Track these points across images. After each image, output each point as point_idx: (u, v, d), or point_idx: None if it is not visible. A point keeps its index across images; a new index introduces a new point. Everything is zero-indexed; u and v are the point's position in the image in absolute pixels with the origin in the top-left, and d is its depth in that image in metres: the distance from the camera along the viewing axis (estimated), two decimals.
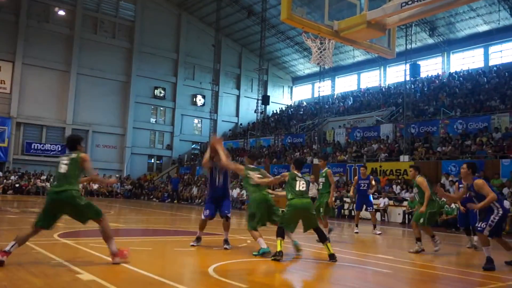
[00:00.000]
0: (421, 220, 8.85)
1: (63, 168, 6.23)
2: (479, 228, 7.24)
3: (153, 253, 7.68)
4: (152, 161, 41.59)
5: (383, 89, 36.91)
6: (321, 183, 10.55)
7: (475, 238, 9.70)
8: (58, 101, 36.24)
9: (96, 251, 7.16)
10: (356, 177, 13.52)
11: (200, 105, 42.89)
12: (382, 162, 23.98)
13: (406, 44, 26.36)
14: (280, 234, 7.12)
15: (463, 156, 21.39)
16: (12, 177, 31.75)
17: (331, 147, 29.02)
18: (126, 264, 6.09)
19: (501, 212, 7.19)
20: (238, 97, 45.40)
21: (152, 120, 41.20)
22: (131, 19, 39.65)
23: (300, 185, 7.25)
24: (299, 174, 7.45)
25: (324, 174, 10.41)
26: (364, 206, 12.97)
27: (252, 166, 8.19)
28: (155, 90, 40.54)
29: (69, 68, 36.33)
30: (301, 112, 41.05)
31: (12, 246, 5.76)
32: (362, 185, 12.82)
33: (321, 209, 10.13)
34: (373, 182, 13.17)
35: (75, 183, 6.27)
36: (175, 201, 30.68)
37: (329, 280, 6.27)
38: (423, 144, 24.01)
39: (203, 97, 42.79)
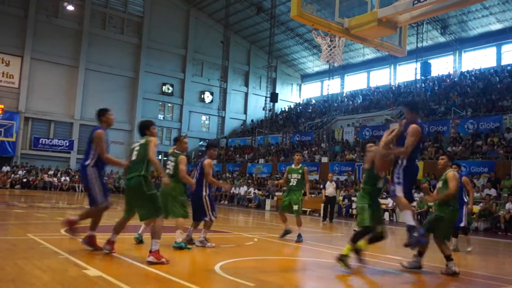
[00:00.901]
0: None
1: (134, 155, 6.37)
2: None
3: (160, 250, 7.54)
4: (160, 157, 41.49)
5: (393, 88, 36.49)
6: (296, 180, 9.92)
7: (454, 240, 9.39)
8: (66, 96, 36.27)
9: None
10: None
11: (208, 102, 42.73)
12: None
13: (417, 42, 26.05)
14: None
15: (473, 156, 21.06)
16: (20, 172, 31.82)
17: (340, 145, 28.72)
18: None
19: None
20: (246, 94, 45.19)
21: (160, 116, 41.11)
22: (140, 15, 39.56)
23: None
24: None
25: (300, 171, 9.94)
26: None
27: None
28: (163, 87, 40.45)
29: (77, 64, 36.33)
30: (310, 110, 40.75)
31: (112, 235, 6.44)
32: None
33: (295, 206, 9.69)
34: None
35: (144, 169, 6.28)
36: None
37: (336, 280, 6.12)
38: (433, 144, 23.66)
39: (211, 94, 42.64)
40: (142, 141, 6.42)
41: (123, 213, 6.51)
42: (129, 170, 6.36)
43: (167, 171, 7.68)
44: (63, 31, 36.04)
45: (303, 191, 9.99)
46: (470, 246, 9.61)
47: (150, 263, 5.80)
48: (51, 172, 32.91)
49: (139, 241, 7.95)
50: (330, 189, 16.34)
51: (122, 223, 6.59)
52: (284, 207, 9.84)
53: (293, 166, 10.15)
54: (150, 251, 5.97)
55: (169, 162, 7.89)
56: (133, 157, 6.35)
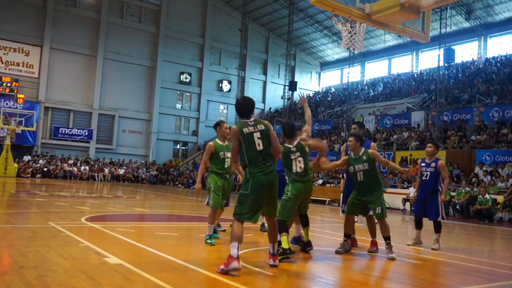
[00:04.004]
0: None
1: (259, 144, 5.34)
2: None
3: (178, 238, 7.70)
4: (178, 147, 41.57)
5: (415, 75, 35.72)
6: None
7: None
8: (85, 86, 36.43)
9: (123, 235, 7.22)
10: None
11: (226, 91, 42.52)
12: (412, 151, 23.15)
13: (440, 28, 25.32)
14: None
15: (498, 145, 20.48)
16: (41, 161, 32.17)
17: None
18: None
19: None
20: (264, 82, 44.81)
21: (178, 105, 41.08)
22: (157, 3, 39.36)
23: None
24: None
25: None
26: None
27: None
28: (181, 76, 40.33)
29: (95, 53, 36.41)
30: (329, 99, 40.24)
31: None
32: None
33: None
34: None
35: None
36: None
37: (354, 269, 6.11)
38: (456, 133, 23.12)
39: (229, 82, 42.40)
40: (262, 127, 5.32)
41: (244, 218, 5.23)
42: (263, 161, 5.25)
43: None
44: (82, 20, 36.10)
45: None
46: (437, 245, 7.87)
47: (274, 266, 5.37)
48: (71, 162, 33.22)
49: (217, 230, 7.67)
50: None
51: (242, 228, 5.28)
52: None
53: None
54: (274, 255, 5.42)
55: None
56: (259, 147, 5.26)
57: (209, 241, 6.99)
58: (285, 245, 5.90)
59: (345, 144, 7.58)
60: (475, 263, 6.86)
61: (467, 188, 17.26)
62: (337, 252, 6.72)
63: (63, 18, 35.36)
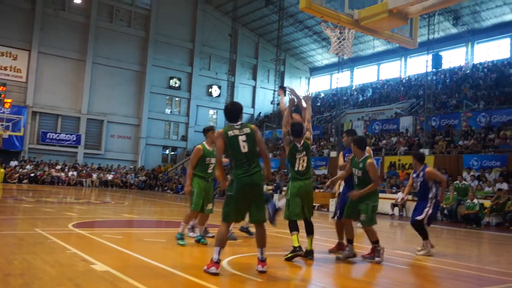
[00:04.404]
0: None
1: (243, 147, 5.50)
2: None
3: (166, 245, 7.63)
4: (167, 152, 41.39)
5: (403, 81, 35.99)
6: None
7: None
8: (73, 91, 36.15)
9: (110, 242, 7.17)
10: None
11: (216, 96, 42.47)
12: (401, 156, 23.28)
13: (428, 34, 25.52)
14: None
15: (485, 150, 20.66)
16: (28, 167, 31.81)
17: None
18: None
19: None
20: (254, 88, 44.84)
21: (167, 110, 40.93)
22: (147, 8, 39.29)
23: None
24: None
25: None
26: None
27: None
28: (171, 80, 40.22)
29: (84, 57, 36.18)
30: (319, 104, 40.35)
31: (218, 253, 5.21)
32: None
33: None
34: None
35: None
36: None
37: (345, 275, 6.12)
38: (444, 138, 23.29)
39: (219, 87, 42.37)
40: (247, 130, 5.48)
41: (228, 219, 5.44)
42: (246, 164, 5.36)
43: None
44: (70, 24, 35.87)
45: None
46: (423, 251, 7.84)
47: (263, 272, 5.37)
48: (58, 167, 32.89)
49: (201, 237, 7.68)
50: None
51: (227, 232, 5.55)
52: None
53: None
54: (263, 260, 5.41)
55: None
56: (244, 149, 5.39)
57: (181, 242, 7.19)
58: (295, 243, 6.22)
59: (341, 151, 7.81)
60: (464, 268, 6.89)
61: (456, 182, 17.47)
62: (338, 259, 6.74)
63: (51, 22, 35.11)
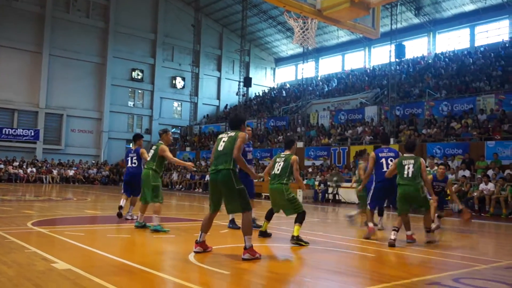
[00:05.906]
0: None
1: (220, 146, 6.08)
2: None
3: (132, 240, 7.57)
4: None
5: (368, 71, 36.35)
6: None
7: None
8: (30, 84, 34.68)
9: (72, 239, 6.96)
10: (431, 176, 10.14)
11: (180, 88, 41.77)
12: (366, 145, 23.42)
13: (391, 24, 25.78)
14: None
15: (448, 138, 21.04)
16: None
17: (315, 130, 28.37)
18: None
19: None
20: (219, 79, 44.36)
21: (130, 103, 39.95)
22: None
23: None
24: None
25: None
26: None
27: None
28: (133, 72, 39.24)
29: (40, 49, 34.73)
30: (284, 95, 40.31)
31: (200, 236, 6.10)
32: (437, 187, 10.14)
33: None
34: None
35: (233, 163, 6.19)
36: None
37: (312, 264, 6.06)
38: (408, 127, 23.59)
39: (183, 79, 41.67)
40: (232, 134, 6.03)
41: (209, 209, 6.19)
42: (215, 162, 6.02)
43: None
44: (25, 14, 34.32)
45: None
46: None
47: (246, 260, 5.66)
48: (16, 164, 31.55)
49: (142, 225, 8.48)
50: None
51: (210, 220, 6.19)
52: None
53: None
54: (245, 248, 5.73)
55: None
56: (220, 148, 6.01)
57: (164, 229, 8.00)
58: (295, 233, 7.15)
59: (372, 152, 8.48)
60: (428, 254, 6.95)
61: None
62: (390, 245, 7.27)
63: (4, 13, 33.44)
